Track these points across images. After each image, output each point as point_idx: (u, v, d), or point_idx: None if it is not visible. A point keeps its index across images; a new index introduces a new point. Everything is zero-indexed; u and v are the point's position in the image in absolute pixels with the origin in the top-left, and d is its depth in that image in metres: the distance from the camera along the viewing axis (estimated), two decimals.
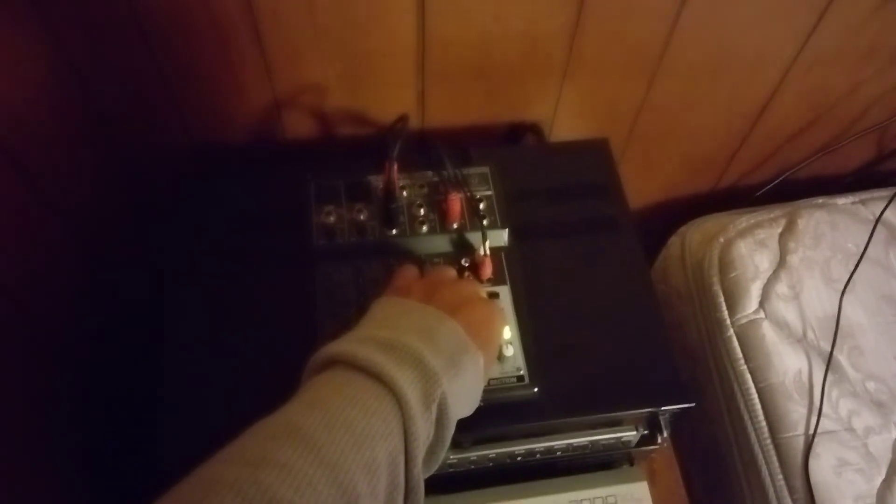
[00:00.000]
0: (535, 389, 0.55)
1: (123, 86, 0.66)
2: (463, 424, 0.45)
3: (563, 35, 0.69)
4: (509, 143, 0.81)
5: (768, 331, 0.78)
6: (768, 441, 0.74)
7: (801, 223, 0.85)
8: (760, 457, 0.75)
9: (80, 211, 0.66)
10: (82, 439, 0.68)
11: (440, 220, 0.63)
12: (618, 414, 0.58)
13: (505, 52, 0.70)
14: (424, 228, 0.62)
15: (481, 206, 0.64)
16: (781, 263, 0.82)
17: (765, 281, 0.81)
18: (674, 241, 0.94)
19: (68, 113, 0.63)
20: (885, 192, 0.89)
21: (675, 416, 0.59)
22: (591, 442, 0.61)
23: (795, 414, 0.73)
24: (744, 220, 0.87)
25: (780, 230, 0.86)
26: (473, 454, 0.59)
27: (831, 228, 0.85)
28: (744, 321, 0.80)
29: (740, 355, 0.78)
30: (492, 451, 0.59)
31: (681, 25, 0.70)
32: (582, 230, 0.65)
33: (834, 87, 0.84)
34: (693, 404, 0.57)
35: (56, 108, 0.61)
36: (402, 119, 0.61)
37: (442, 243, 0.63)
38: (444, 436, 0.43)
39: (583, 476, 0.66)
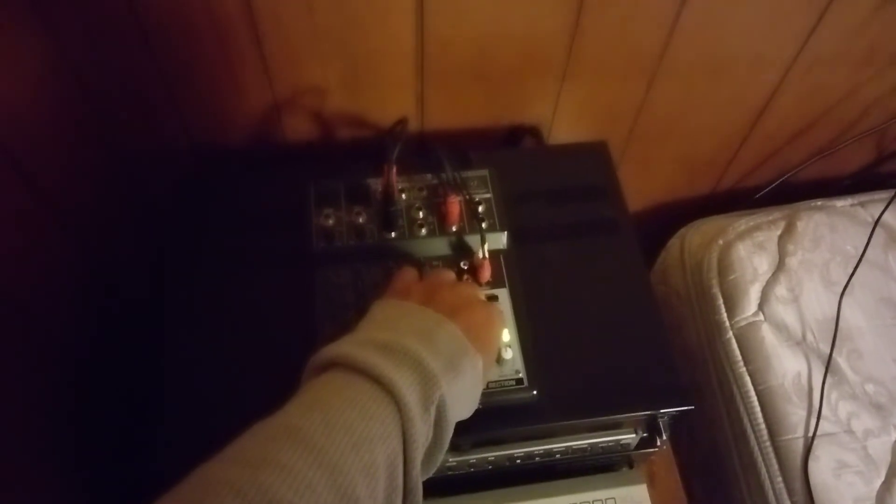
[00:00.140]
0: (534, 392, 0.55)
1: (123, 86, 0.66)
2: (462, 427, 0.46)
3: (562, 36, 0.69)
4: (508, 146, 0.81)
5: (767, 333, 0.78)
6: (767, 443, 0.74)
7: (801, 225, 0.85)
8: (760, 459, 0.75)
9: (80, 211, 0.65)
10: (82, 439, 0.68)
11: (439, 222, 0.63)
12: (617, 417, 0.58)
13: (504, 54, 0.70)
14: (423, 231, 0.63)
15: (480, 208, 0.64)
16: (780, 266, 0.82)
17: (764, 283, 0.81)
18: (673, 244, 0.94)
19: (68, 113, 0.63)
20: (884, 195, 0.89)
21: (675, 418, 0.59)
22: (591, 445, 0.61)
23: (795, 416, 0.73)
24: (743, 222, 0.87)
25: (779, 232, 0.86)
26: (472, 457, 0.59)
27: (830, 231, 0.85)
28: (743, 323, 0.80)
29: (739, 358, 0.78)
30: (491, 454, 0.59)
31: (680, 27, 0.70)
32: (581, 233, 0.65)
33: (833, 89, 0.84)
34: (692, 407, 0.57)
35: (56, 108, 0.61)
36: (402, 122, 0.61)
37: (441, 246, 0.63)
38: (442, 438, 0.43)
39: (582, 479, 0.66)
